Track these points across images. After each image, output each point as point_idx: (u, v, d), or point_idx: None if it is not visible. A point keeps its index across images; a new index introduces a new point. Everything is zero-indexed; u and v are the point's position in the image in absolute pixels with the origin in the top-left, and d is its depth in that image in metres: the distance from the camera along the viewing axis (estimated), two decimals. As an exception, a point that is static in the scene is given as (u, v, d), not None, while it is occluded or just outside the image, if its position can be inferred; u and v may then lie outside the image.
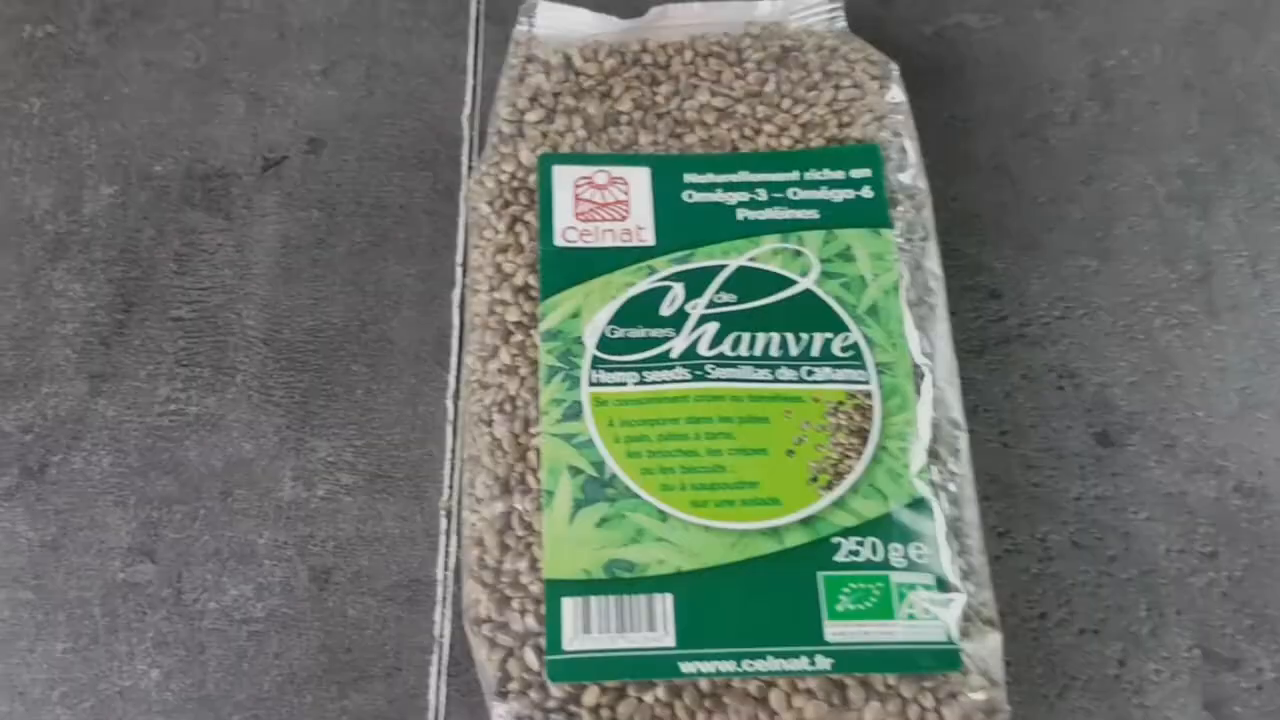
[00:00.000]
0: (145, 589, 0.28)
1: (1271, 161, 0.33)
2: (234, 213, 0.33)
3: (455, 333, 0.31)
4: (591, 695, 0.24)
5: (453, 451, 0.30)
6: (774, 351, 0.27)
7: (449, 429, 0.30)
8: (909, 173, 0.29)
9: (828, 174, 0.29)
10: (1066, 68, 0.35)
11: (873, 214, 0.28)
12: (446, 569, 0.29)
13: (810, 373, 0.27)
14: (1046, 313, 0.31)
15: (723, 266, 0.28)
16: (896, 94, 0.30)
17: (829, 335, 0.27)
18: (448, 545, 0.29)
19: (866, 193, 0.28)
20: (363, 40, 0.35)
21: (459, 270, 0.32)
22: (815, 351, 0.27)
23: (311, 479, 0.30)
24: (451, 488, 0.30)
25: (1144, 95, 0.34)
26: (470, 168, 0.33)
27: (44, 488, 0.29)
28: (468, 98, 0.34)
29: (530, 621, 0.25)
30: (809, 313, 0.27)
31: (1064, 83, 0.34)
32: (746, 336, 0.27)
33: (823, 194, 0.28)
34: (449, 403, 0.30)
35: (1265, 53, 0.35)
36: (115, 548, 0.29)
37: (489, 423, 0.27)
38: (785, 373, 0.27)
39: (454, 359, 0.31)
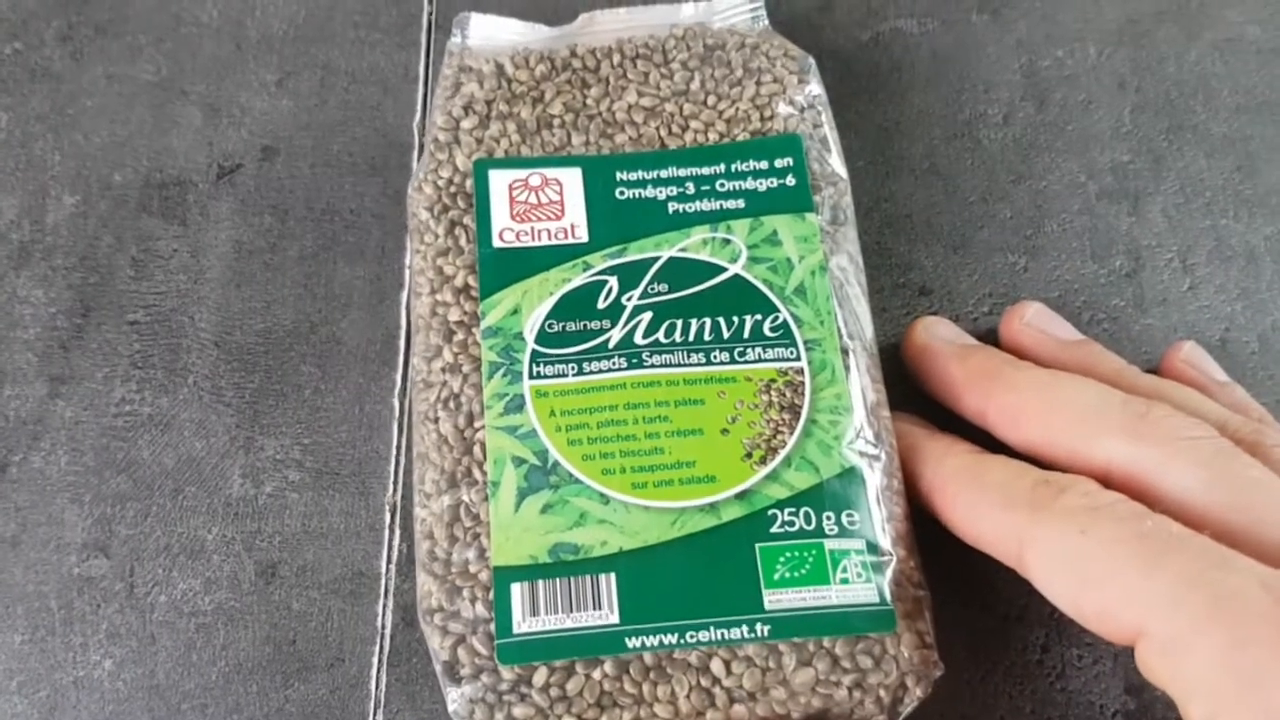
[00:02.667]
0: (99, 583, 0.30)
1: (1203, 157, 0.34)
2: (189, 219, 0.34)
3: (403, 334, 0.32)
4: (541, 675, 0.25)
5: (398, 449, 0.31)
6: (707, 336, 0.28)
7: (395, 427, 0.31)
8: (830, 161, 0.30)
9: (752, 164, 0.30)
10: (1001, 69, 0.35)
11: (796, 200, 0.29)
12: (390, 563, 0.30)
13: (742, 353, 0.27)
14: (975, 308, 0.32)
15: (655, 258, 0.29)
16: (815, 87, 0.31)
17: (759, 316, 0.28)
18: (391, 540, 0.30)
19: (790, 180, 0.29)
20: (317, 51, 0.36)
21: (407, 273, 0.33)
22: (746, 333, 0.28)
23: (260, 476, 0.31)
24: (396, 484, 0.31)
25: (1078, 94, 0.35)
26: (419, 174, 0.34)
27: (5, 486, 0.31)
28: (418, 106, 0.35)
29: (480, 609, 0.25)
30: (739, 296, 0.28)
31: (998, 84, 0.35)
32: (680, 323, 0.28)
33: (748, 184, 0.29)
34: (395, 401, 0.31)
35: (1199, 51, 0.36)
36: (71, 543, 0.30)
37: (435, 420, 0.28)
38: (718, 355, 0.27)
39: (401, 359, 0.32)
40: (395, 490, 0.30)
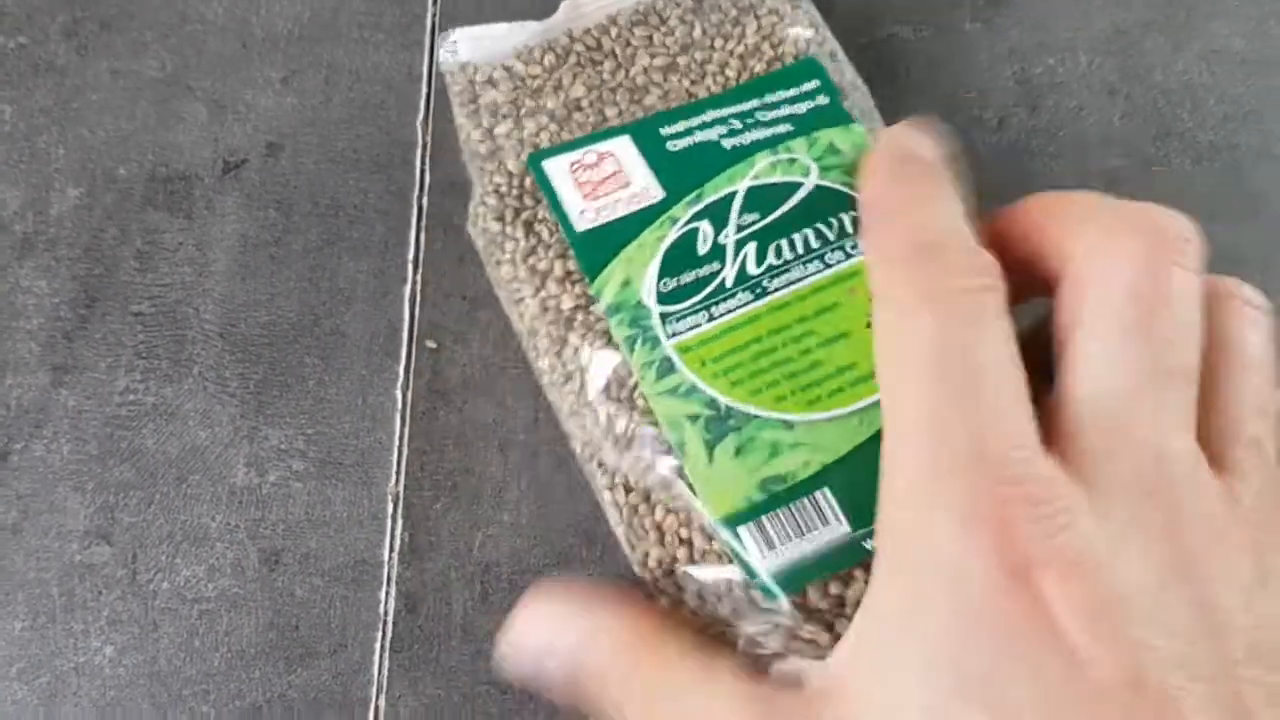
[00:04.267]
0: (101, 570, 0.30)
1: (1190, 163, 0.35)
2: (195, 213, 0.34)
3: (405, 327, 0.33)
4: (816, 594, 0.24)
5: (400, 439, 0.31)
6: (814, 244, 0.28)
7: (397, 418, 0.31)
8: (846, 71, 0.31)
9: (781, 94, 0.30)
10: (995, 76, 0.36)
11: (835, 115, 0.30)
12: (392, 551, 0.30)
13: (854, 246, 0.28)
14: (970, 307, 0.33)
15: (733, 193, 0.29)
16: (809, 8, 0.32)
17: (853, 213, 0.28)
18: (393, 529, 0.30)
19: (822, 99, 0.30)
20: (322, 50, 0.36)
21: (410, 267, 0.33)
22: (848, 228, 0.28)
23: (264, 465, 0.31)
24: (399, 474, 0.31)
25: (1069, 101, 0.36)
26: (422, 170, 0.35)
27: (6, 474, 0.31)
28: (421, 105, 0.36)
29: (723, 566, 0.25)
30: (827, 202, 0.28)
31: (992, 90, 0.36)
32: (784, 242, 0.28)
33: (786, 110, 0.30)
34: (398, 393, 0.32)
35: (1186, 60, 0.36)
36: (74, 531, 0.30)
37: (591, 405, 0.27)
38: (832, 256, 0.28)
39: (404, 352, 0.32)
40: (398, 480, 0.31)
